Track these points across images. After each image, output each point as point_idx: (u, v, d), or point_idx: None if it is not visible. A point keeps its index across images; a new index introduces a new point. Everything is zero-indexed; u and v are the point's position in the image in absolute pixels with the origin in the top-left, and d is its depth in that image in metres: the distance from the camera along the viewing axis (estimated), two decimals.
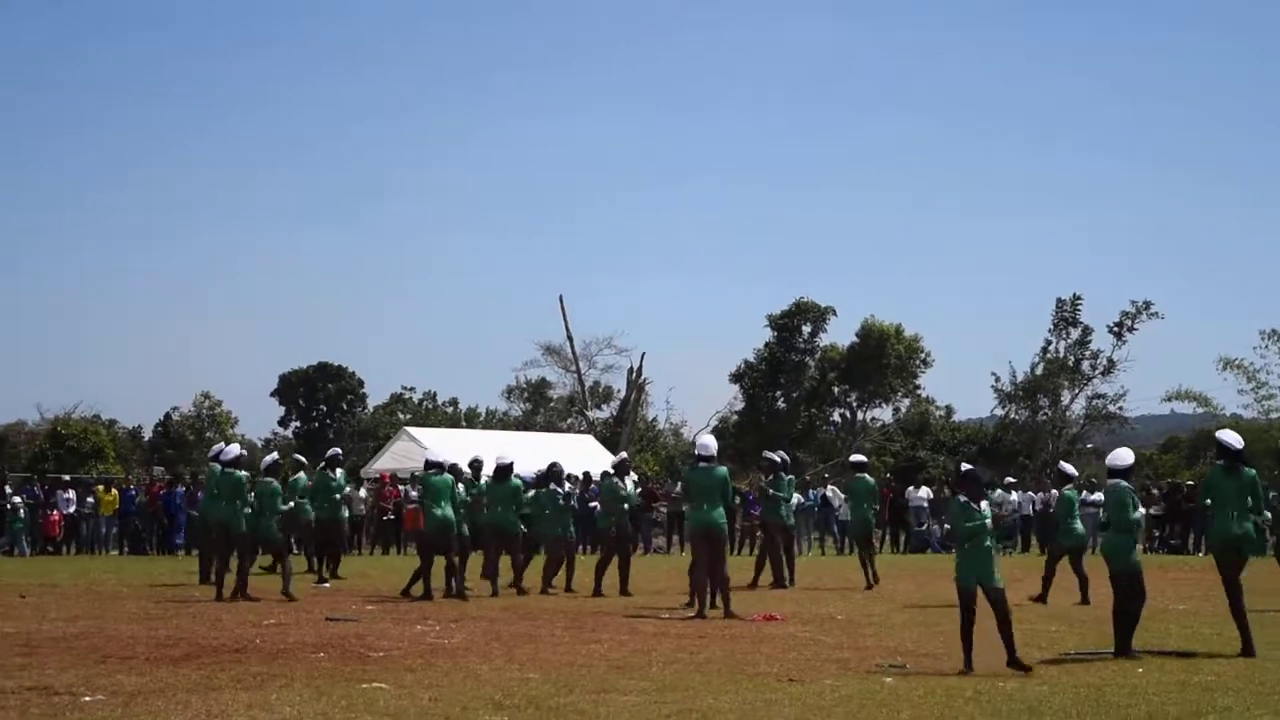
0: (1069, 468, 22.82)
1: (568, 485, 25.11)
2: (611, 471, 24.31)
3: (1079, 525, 21.75)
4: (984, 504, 13.49)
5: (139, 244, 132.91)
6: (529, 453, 38.85)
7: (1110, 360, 62.23)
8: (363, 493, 37.59)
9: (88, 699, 10.66)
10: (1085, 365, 62.75)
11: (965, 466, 14.61)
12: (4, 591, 21.77)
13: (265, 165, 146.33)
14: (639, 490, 27.10)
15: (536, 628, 16.72)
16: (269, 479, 22.18)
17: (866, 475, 25.79)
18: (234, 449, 22.90)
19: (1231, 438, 15.29)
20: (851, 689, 11.61)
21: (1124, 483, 14.91)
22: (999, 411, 65.17)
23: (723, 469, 19.36)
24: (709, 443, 19.67)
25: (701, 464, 19.08)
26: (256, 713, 10.02)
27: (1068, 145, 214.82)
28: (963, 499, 13.51)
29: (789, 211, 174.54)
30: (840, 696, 11.16)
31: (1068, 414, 63.98)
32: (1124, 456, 15.22)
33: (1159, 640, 15.54)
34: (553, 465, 24.23)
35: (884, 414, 69.15)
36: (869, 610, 19.21)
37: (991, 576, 13.21)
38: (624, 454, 25.54)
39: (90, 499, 37.05)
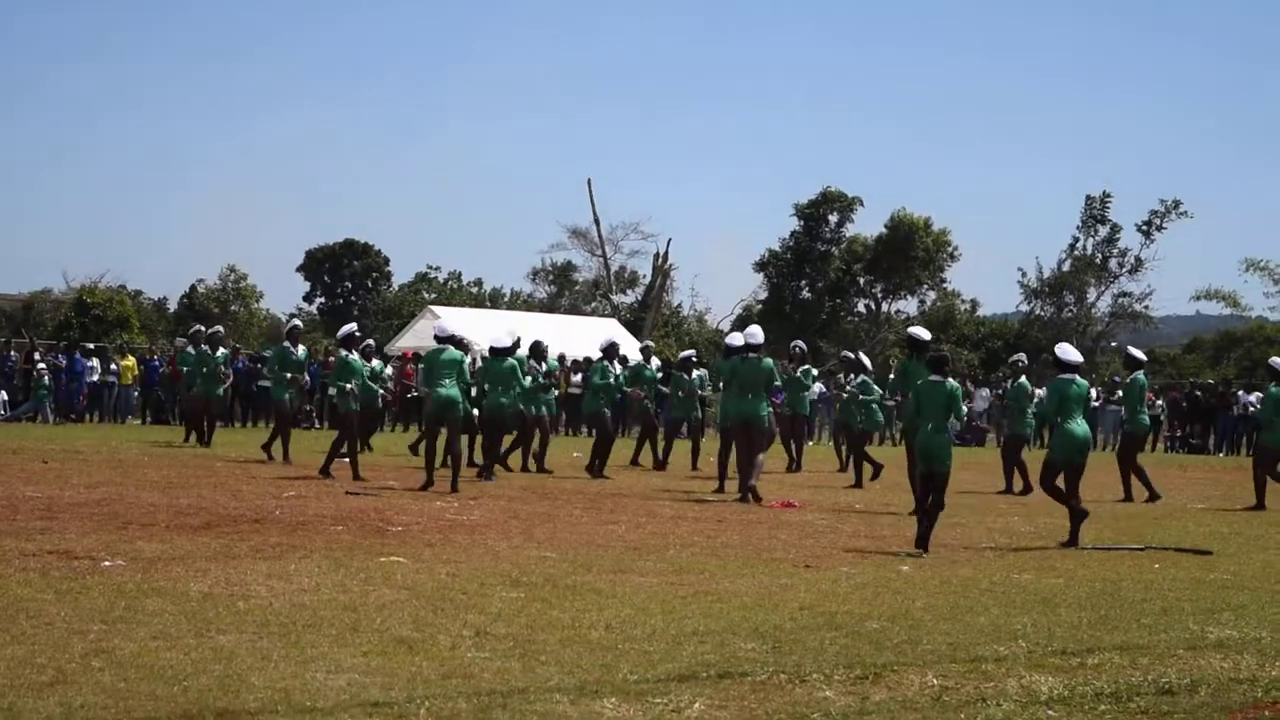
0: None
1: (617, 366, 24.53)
2: (601, 355, 24.37)
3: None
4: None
5: (171, 115, 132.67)
6: (552, 336, 38.89)
7: (1137, 259, 61.98)
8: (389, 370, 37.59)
9: (107, 564, 10.72)
10: (1112, 263, 62.47)
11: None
12: (27, 457, 21.90)
13: (295, 37, 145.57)
14: (661, 375, 26.90)
15: (555, 508, 16.78)
16: (346, 351, 21.38)
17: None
18: (349, 327, 21.97)
19: (1069, 352, 15.78)
20: (867, 576, 11.64)
21: (1079, 377, 15.54)
22: (1024, 307, 64.99)
23: (769, 360, 19.38)
24: (758, 332, 19.56)
25: (751, 354, 19.05)
26: (274, 582, 10.07)
27: (1104, 39, 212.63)
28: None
29: (819, 100, 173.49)
30: (855, 584, 11.19)
31: (1093, 311, 63.78)
32: (1070, 352, 15.71)
33: (1176, 537, 15.57)
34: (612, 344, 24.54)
35: (909, 306, 68.96)
36: (887, 500, 19.23)
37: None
38: (613, 340, 25.15)
39: (113, 368, 37.22)
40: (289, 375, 24.06)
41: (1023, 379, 22.67)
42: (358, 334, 21.79)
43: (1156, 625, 9.62)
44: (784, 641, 8.51)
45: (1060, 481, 15.16)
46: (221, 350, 27.85)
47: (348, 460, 20.02)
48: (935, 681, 7.53)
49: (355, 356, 21.42)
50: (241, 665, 7.31)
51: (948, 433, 14.62)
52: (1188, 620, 9.87)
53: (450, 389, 19.00)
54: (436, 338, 19.95)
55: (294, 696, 6.68)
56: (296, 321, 28.15)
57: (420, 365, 21.94)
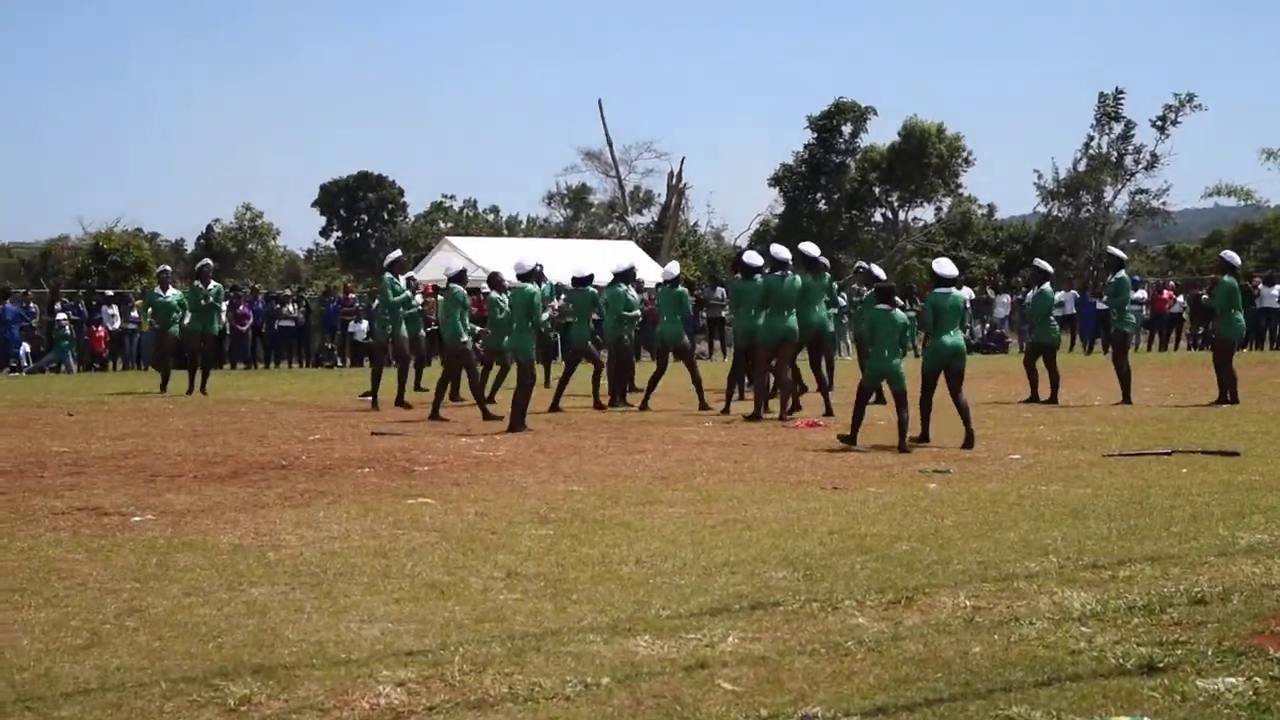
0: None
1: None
2: (615, 279, 23.21)
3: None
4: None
5: (179, 57, 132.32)
6: (570, 259, 38.80)
7: (1153, 155, 61.48)
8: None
9: (137, 518, 10.76)
10: (1128, 160, 62.01)
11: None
12: (52, 410, 21.98)
13: None
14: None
15: (580, 439, 16.79)
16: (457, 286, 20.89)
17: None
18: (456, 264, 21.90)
19: (946, 267, 16.55)
20: (895, 496, 11.64)
21: (954, 290, 16.32)
22: (1041, 209, 64.67)
23: (798, 278, 19.33)
24: (782, 249, 19.66)
25: (780, 272, 19.18)
26: (304, 531, 10.10)
27: None
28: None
29: (826, 10, 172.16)
30: (884, 504, 11.19)
31: (1111, 210, 63.41)
32: (947, 266, 16.53)
33: (1202, 439, 15.53)
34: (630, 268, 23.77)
35: (926, 214, 68.79)
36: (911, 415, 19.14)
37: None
38: (631, 263, 24.72)
39: (134, 314, 37.29)
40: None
41: (1045, 286, 22.44)
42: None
43: (1186, 533, 9.60)
44: (814, 568, 8.51)
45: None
46: (214, 284, 26.79)
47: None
48: (968, 603, 7.53)
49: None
50: (275, 619, 7.34)
51: (899, 356, 15.87)
52: (1218, 526, 9.85)
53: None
54: (517, 275, 19.72)
55: (328, 649, 6.70)
56: (207, 260, 28.10)
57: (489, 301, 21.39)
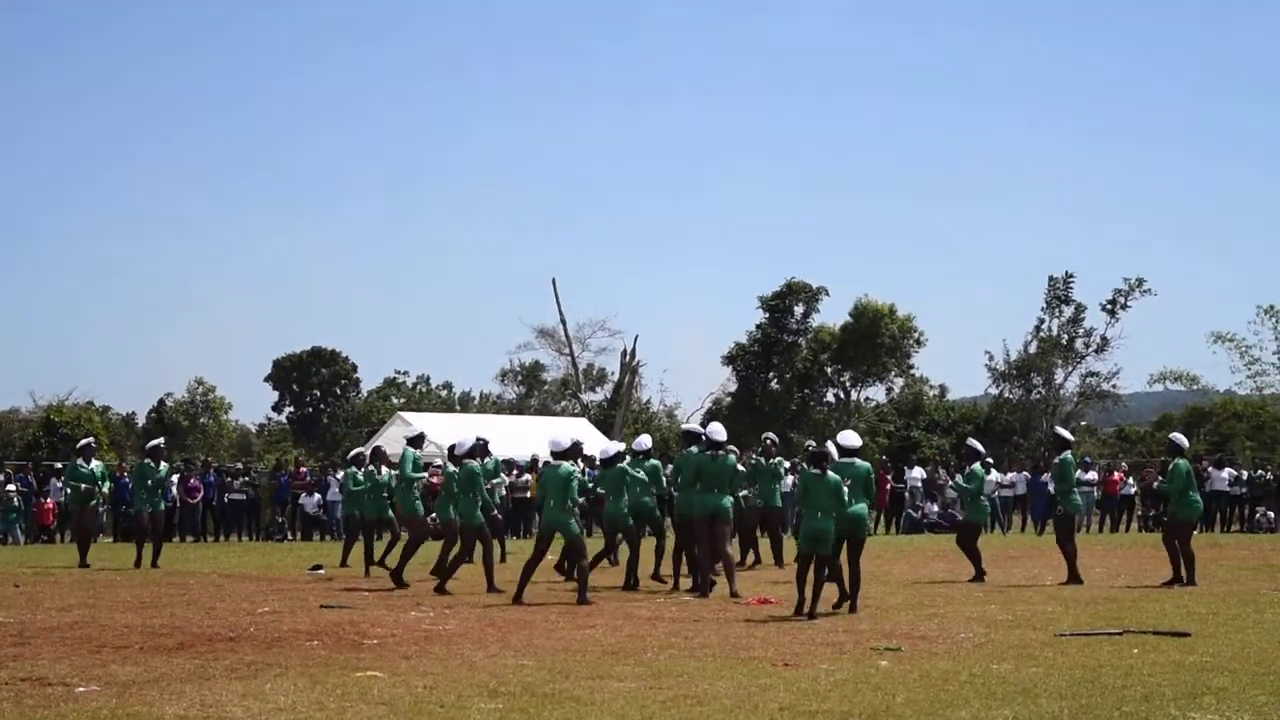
0: (1181, 439, 22.63)
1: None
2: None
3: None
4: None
5: (130, 231, 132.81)
6: (523, 437, 38.84)
7: (1103, 338, 62.17)
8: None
9: (81, 689, 10.63)
10: (1079, 343, 62.64)
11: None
12: None
13: (256, 152, 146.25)
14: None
15: (530, 613, 16.70)
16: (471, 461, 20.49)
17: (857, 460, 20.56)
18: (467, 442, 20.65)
19: (848, 439, 17.83)
20: (846, 673, 11.59)
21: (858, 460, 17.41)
22: (993, 390, 65.11)
23: (731, 457, 19.68)
24: (719, 429, 19.83)
25: (710, 451, 19.34)
26: (251, 702, 10.00)
27: (1058, 123, 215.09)
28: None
29: (779, 193, 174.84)
30: (835, 681, 11.14)
31: (1061, 392, 63.93)
32: (851, 438, 17.79)
33: (1154, 620, 15.56)
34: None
35: (878, 394, 69.11)
36: (864, 592, 19.12)
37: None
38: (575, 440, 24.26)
39: (59, 484, 37.07)
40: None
41: (976, 465, 22.54)
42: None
43: (1138, 713, 9.60)
44: None
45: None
46: (164, 464, 27.04)
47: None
48: None
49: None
50: None
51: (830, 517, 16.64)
52: (1169, 706, 9.84)
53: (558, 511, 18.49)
54: (553, 453, 19.38)
55: None
56: (159, 440, 28.03)
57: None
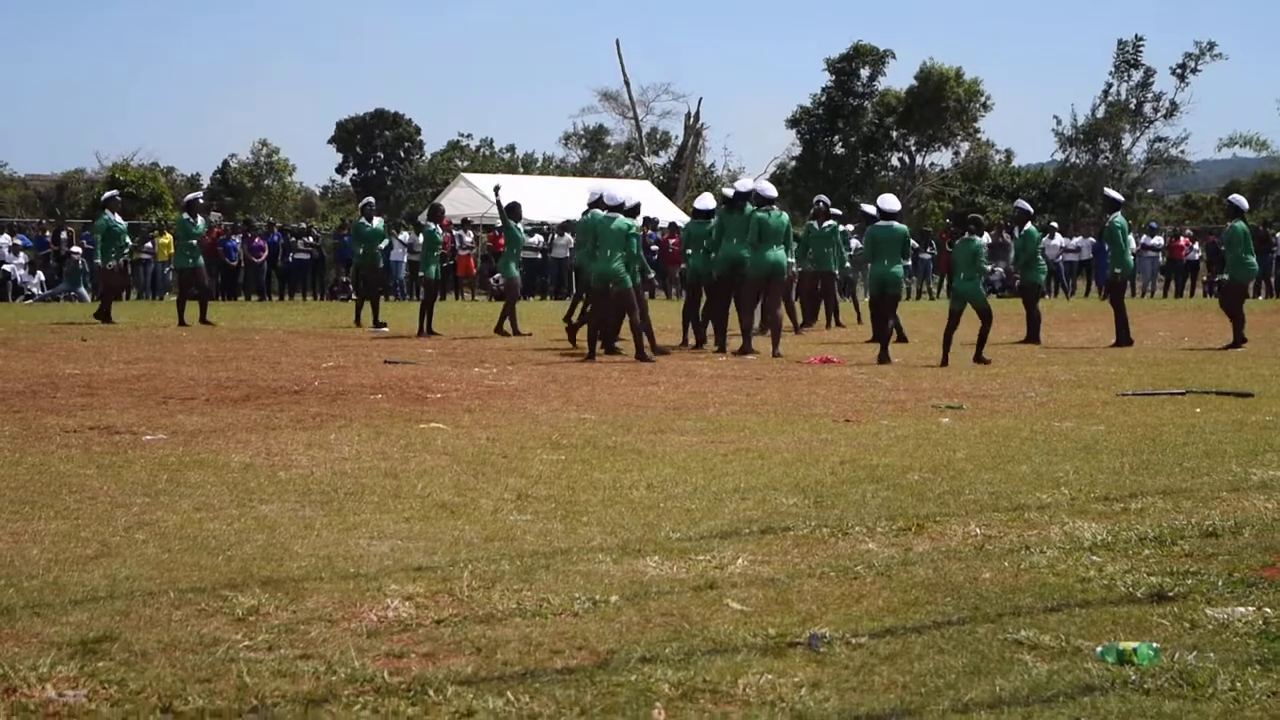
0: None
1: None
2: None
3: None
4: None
5: None
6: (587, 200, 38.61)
7: (1172, 103, 61.26)
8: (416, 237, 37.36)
9: (149, 438, 10.76)
10: (1147, 108, 61.73)
11: None
12: (66, 334, 21.99)
13: None
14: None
15: (593, 370, 16.78)
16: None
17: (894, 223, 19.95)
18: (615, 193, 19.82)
19: (890, 202, 19.53)
20: (907, 429, 11.61)
21: (896, 223, 18.97)
22: (1059, 156, 64.41)
23: (784, 215, 19.40)
24: (768, 186, 19.67)
25: (768, 209, 19.05)
26: (315, 451, 10.10)
27: None
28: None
29: None
30: (896, 436, 11.16)
31: (1128, 158, 63.16)
32: (891, 202, 19.43)
33: (1217, 381, 15.48)
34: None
35: (943, 159, 68.46)
36: (926, 353, 19.15)
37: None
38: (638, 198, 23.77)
39: (149, 244, 37.31)
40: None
41: (1029, 226, 22.35)
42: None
43: (1199, 469, 9.57)
44: (825, 496, 8.49)
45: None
46: (201, 220, 26.55)
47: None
48: (978, 531, 7.51)
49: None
50: (284, 534, 7.33)
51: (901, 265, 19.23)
52: (1230, 463, 9.81)
53: (616, 262, 18.11)
54: (605, 204, 18.76)
55: (337, 563, 6.69)
56: (197, 194, 27.62)
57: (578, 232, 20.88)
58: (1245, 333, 20.43)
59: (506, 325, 22.97)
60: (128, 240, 26.96)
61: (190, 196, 27.19)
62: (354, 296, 27.50)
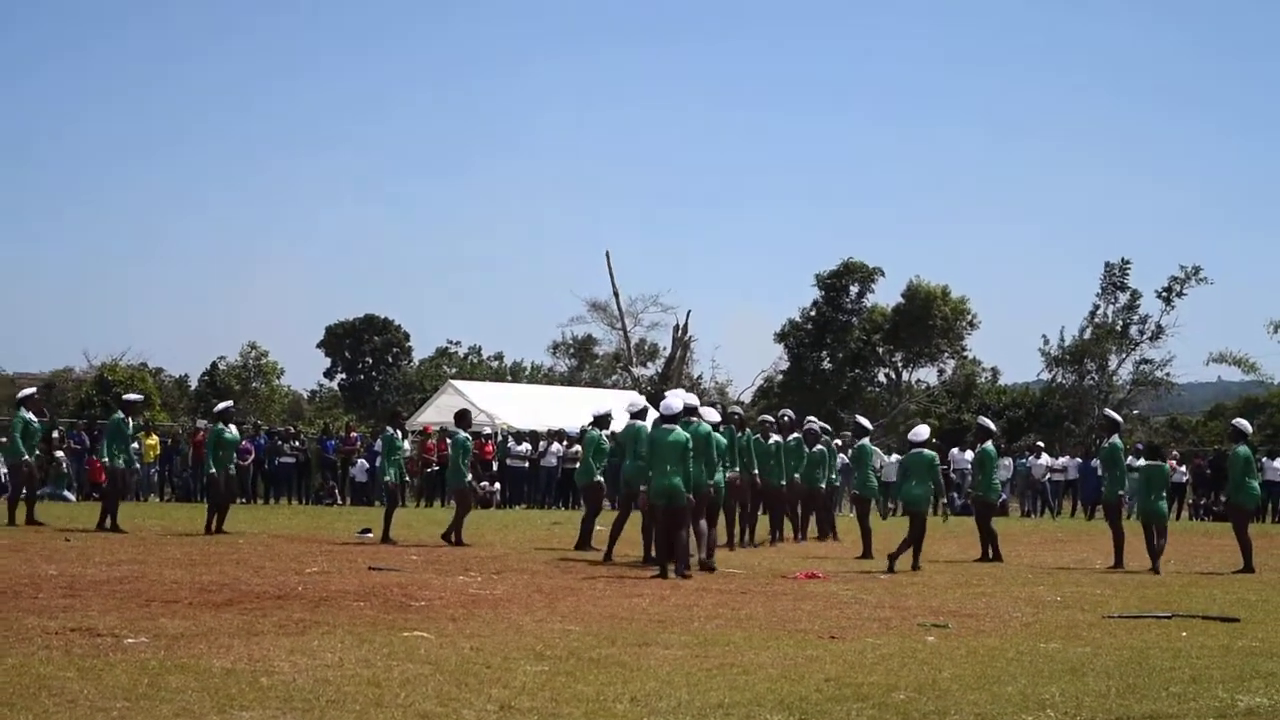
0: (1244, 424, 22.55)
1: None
2: (591, 425, 23.55)
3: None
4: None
5: (187, 194, 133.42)
6: (574, 408, 38.83)
7: (1158, 325, 61.87)
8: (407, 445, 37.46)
9: (130, 640, 10.69)
10: (1133, 330, 62.37)
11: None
12: (49, 535, 21.92)
13: (316, 119, 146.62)
14: None
15: (578, 581, 16.73)
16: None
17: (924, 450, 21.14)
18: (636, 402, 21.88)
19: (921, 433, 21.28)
20: (893, 647, 11.56)
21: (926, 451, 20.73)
22: (1045, 375, 64.89)
23: (701, 426, 18.80)
24: (671, 401, 18.54)
25: (664, 424, 17.99)
26: (298, 658, 10.03)
27: (1120, 105, 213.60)
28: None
29: (837, 170, 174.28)
30: (881, 655, 11.11)
31: (1114, 379, 63.63)
32: (922, 432, 21.20)
33: (1203, 604, 15.46)
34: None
35: (929, 375, 68.97)
36: (912, 570, 19.14)
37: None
38: (608, 408, 24.09)
39: (135, 446, 37.29)
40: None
41: (987, 444, 22.47)
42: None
43: (1185, 694, 9.52)
44: (810, 713, 8.44)
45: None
46: (232, 428, 26.08)
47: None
48: None
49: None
50: None
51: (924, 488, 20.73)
52: (1217, 688, 9.76)
53: (674, 477, 17.60)
54: (663, 416, 18.07)
55: None
56: (229, 403, 27.47)
57: (630, 439, 20.64)
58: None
59: (454, 534, 22.59)
60: (38, 439, 26.90)
61: (221, 406, 26.52)
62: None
